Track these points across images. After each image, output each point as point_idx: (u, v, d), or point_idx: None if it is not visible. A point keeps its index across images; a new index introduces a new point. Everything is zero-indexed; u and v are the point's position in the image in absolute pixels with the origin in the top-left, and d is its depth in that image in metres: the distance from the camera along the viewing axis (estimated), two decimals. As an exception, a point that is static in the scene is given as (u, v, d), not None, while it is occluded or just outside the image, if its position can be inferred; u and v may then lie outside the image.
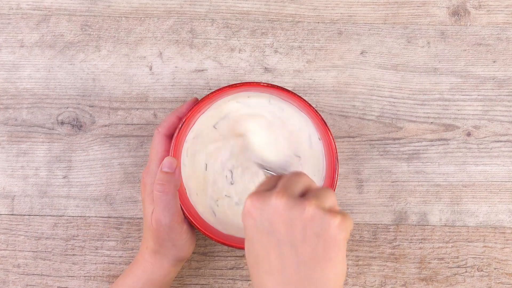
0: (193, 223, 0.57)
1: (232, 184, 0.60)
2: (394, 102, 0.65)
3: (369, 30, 0.66)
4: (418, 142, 0.65)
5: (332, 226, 0.43)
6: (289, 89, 0.62)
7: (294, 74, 0.65)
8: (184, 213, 0.57)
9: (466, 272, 0.64)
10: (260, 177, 0.60)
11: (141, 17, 0.66)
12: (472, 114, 0.65)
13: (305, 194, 0.45)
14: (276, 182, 0.46)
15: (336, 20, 0.66)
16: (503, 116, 0.65)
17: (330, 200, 0.44)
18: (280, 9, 0.66)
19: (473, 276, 0.64)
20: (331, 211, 0.43)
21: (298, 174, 0.46)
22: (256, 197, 0.44)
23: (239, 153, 0.60)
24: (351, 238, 0.64)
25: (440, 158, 0.65)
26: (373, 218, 0.64)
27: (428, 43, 0.66)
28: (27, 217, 0.64)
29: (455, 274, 0.64)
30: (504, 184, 0.65)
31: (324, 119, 0.58)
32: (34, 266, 0.64)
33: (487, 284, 0.64)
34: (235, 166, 0.60)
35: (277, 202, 0.43)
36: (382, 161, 0.65)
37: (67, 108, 0.65)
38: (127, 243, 0.64)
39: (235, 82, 0.61)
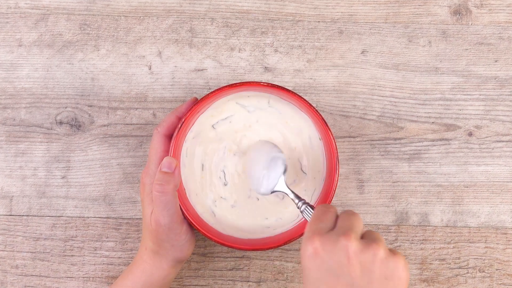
0: (192, 224, 0.57)
1: (225, 185, 0.60)
2: (395, 102, 0.65)
3: (370, 29, 0.66)
4: (419, 142, 0.65)
5: (400, 268, 0.45)
6: (290, 88, 0.62)
7: (294, 73, 0.65)
8: (183, 214, 0.57)
9: (467, 273, 0.64)
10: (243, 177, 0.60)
11: (140, 16, 0.65)
12: (474, 114, 0.65)
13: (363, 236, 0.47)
14: (332, 220, 0.47)
15: (337, 19, 0.66)
16: (505, 116, 0.65)
17: (384, 242, 0.46)
18: (280, 8, 0.66)
19: (474, 277, 0.64)
20: (396, 253, 0.45)
21: (354, 214, 0.48)
22: (325, 238, 0.45)
23: (232, 154, 0.60)
24: (352, 238, 0.64)
25: (441, 158, 0.65)
26: (374, 218, 0.64)
27: (430, 42, 0.65)
28: (25, 217, 0.64)
29: (457, 275, 0.64)
30: (506, 184, 0.64)
31: (325, 119, 0.58)
32: (33, 267, 0.63)
33: (489, 285, 0.63)
34: (227, 167, 0.60)
35: (349, 245, 0.44)
36: (383, 161, 0.64)
37: (66, 108, 0.65)
38: (126, 244, 0.64)
39: (235, 82, 0.61)
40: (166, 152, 0.57)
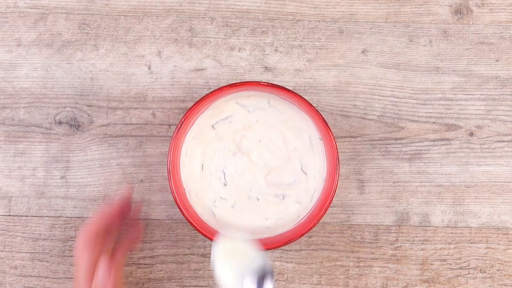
0: (192, 224, 0.57)
1: (225, 185, 0.60)
2: (395, 102, 0.65)
3: (370, 28, 0.65)
4: (420, 142, 0.64)
5: None
6: (290, 88, 0.61)
7: (294, 73, 0.65)
8: (183, 214, 0.57)
9: (468, 273, 0.63)
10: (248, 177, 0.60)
11: (139, 16, 0.65)
12: (475, 114, 0.65)
13: None
14: None
15: (337, 19, 0.65)
16: (506, 115, 0.65)
17: None
18: (281, 8, 0.65)
19: (475, 277, 0.63)
20: None
21: None
22: None
23: (232, 155, 0.60)
24: (353, 239, 0.64)
25: (442, 158, 0.64)
26: (375, 219, 0.64)
27: (430, 41, 0.65)
28: (24, 218, 0.63)
29: (458, 276, 0.63)
30: (507, 184, 0.64)
31: (325, 119, 0.57)
32: (32, 268, 0.63)
33: (490, 286, 0.63)
34: (227, 167, 0.60)
35: None
36: (383, 161, 0.64)
37: (65, 107, 0.64)
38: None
39: (235, 82, 0.61)
40: (93, 262, 0.46)
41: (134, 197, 0.61)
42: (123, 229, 0.56)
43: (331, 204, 0.61)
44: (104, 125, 0.64)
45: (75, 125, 0.64)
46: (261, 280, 0.47)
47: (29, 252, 0.63)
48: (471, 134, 0.65)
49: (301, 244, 0.64)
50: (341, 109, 0.65)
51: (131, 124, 0.64)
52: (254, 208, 0.60)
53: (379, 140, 0.64)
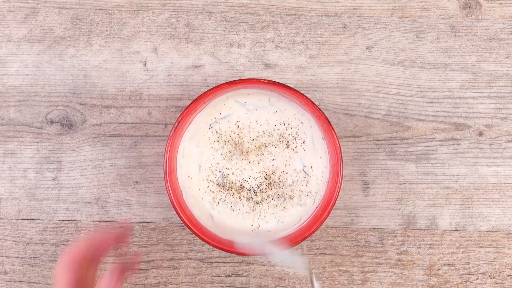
0: (189, 228, 0.56)
1: (224, 187, 0.59)
2: (401, 100, 0.64)
3: (375, 23, 0.65)
4: (427, 142, 0.64)
5: None
6: (291, 86, 0.61)
7: (296, 70, 0.64)
8: (180, 217, 0.56)
9: (477, 279, 0.63)
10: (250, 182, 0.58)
11: (134, 10, 0.64)
12: (484, 113, 0.64)
13: None
14: None
15: (341, 13, 0.65)
16: (516, 114, 0.64)
17: None
18: (282, 2, 0.65)
19: (485, 283, 0.63)
20: None
21: None
22: None
23: (231, 155, 0.59)
24: (357, 243, 0.63)
25: (450, 159, 0.64)
26: (380, 222, 0.63)
27: (438, 37, 0.64)
28: (14, 221, 0.63)
29: (466, 281, 0.63)
30: (518, 186, 0.64)
31: (328, 118, 0.58)
32: (22, 273, 0.63)
33: (500, 292, 0.63)
34: (226, 168, 0.59)
35: None
36: (389, 162, 0.63)
37: (57, 106, 0.64)
38: (120, 248, 0.62)
39: (234, 79, 0.60)
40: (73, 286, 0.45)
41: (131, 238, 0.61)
42: (118, 258, 0.54)
43: (334, 207, 0.60)
44: (97, 124, 0.63)
45: (67, 124, 0.63)
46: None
47: (20, 257, 0.63)
48: (480, 134, 0.64)
49: (303, 248, 0.63)
50: (344, 107, 0.64)
51: (125, 123, 0.63)
52: (254, 211, 0.59)
53: (384, 140, 0.64)
